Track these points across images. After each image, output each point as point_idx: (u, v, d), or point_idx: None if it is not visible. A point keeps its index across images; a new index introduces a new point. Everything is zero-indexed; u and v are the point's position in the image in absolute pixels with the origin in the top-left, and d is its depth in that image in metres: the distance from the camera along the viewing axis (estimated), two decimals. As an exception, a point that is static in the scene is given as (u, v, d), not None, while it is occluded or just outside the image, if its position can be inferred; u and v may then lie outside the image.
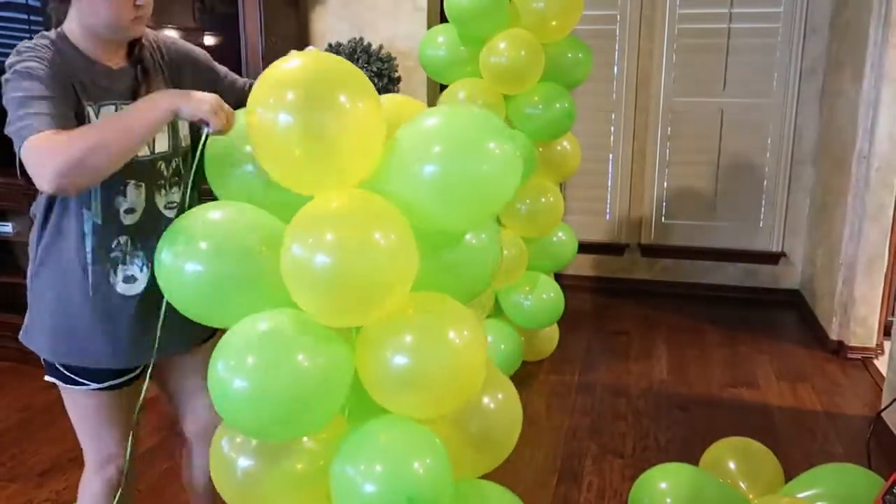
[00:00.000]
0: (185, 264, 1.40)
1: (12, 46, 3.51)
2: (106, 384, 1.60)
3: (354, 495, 1.36)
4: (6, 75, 1.39)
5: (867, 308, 3.44)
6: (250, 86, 1.54)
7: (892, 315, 3.54)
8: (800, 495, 1.99)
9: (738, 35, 4.06)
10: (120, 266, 1.52)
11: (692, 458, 2.18)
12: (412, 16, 3.51)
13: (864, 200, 3.35)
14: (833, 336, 3.53)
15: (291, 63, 1.34)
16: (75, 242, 1.49)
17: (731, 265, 4.31)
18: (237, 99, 1.59)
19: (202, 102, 1.39)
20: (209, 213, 1.46)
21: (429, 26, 3.48)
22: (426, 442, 1.41)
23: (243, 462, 1.47)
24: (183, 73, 1.63)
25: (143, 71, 1.56)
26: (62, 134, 1.30)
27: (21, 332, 1.62)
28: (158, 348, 1.51)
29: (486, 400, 1.57)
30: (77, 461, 2.55)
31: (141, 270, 1.54)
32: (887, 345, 3.28)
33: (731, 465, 2.17)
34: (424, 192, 1.34)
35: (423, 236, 1.39)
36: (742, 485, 2.11)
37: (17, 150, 1.32)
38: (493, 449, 1.61)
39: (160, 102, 1.38)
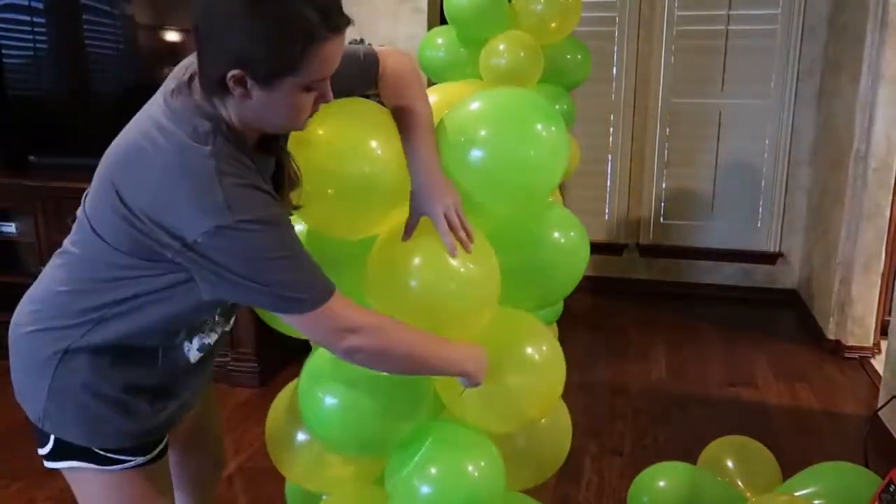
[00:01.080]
0: None
1: (17, 48, 3.52)
2: (155, 452, 1.34)
3: (412, 499, 1.36)
4: (235, 222, 1.05)
5: (864, 307, 3.46)
6: (375, 57, 1.31)
7: (889, 314, 3.55)
8: (797, 494, 2.00)
9: (736, 36, 4.09)
10: (198, 335, 1.31)
11: (690, 456, 2.20)
12: (412, 17, 3.54)
13: (861, 200, 3.38)
14: (830, 335, 3.56)
15: None
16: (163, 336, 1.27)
17: (729, 265, 4.34)
18: (366, 81, 1.33)
19: (478, 378, 1.29)
20: None
21: (429, 28, 3.51)
22: (481, 447, 1.41)
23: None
24: None
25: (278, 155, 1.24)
26: (385, 317, 1.21)
27: (41, 418, 1.28)
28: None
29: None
30: (80, 460, 2.59)
31: (214, 334, 1.35)
32: (884, 344, 3.30)
33: (729, 464, 2.18)
34: (469, 178, 1.30)
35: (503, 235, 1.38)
36: (740, 483, 2.13)
37: (280, 305, 1.13)
38: (542, 464, 1.62)
39: (466, 364, 1.27)
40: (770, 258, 4.26)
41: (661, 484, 2.11)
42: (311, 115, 1.15)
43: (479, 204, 1.32)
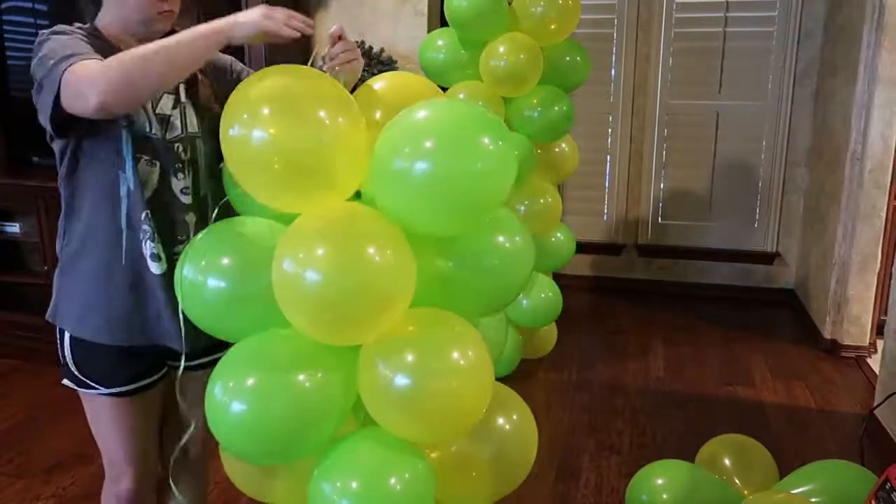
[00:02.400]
0: (206, 279, 1.37)
1: (21, 50, 3.52)
2: (115, 389, 1.56)
3: None
4: (41, 38, 1.41)
5: (860, 307, 3.49)
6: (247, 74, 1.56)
7: (885, 314, 3.58)
8: (793, 491, 2.02)
9: (734, 38, 4.11)
10: (148, 241, 1.47)
11: (688, 454, 2.22)
12: (413, 19, 3.55)
13: (857, 201, 3.41)
14: (827, 335, 3.58)
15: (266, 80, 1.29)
16: (111, 203, 1.47)
17: (726, 265, 4.36)
18: None
19: (248, 22, 1.35)
20: (231, 229, 1.44)
21: (429, 30, 3.53)
22: (407, 457, 1.33)
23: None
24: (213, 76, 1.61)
25: None
26: (107, 60, 1.31)
27: (48, 311, 1.58)
28: (190, 342, 1.48)
29: (500, 420, 1.49)
30: (83, 458, 2.62)
31: (161, 252, 1.49)
32: (880, 343, 3.33)
33: (727, 462, 2.20)
34: (412, 192, 1.25)
35: (429, 240, 1.33)
36: (737, 481, 2.14)
37: (53, 88, 1.31)
38: (508, 472, 1.53)
39: (203, 29, 1.35)
40: (767, 258, 4.28)
41: (660, 482, 2.12)
42: (164, 13, 1.47)
43: (425, 217, 1.29)
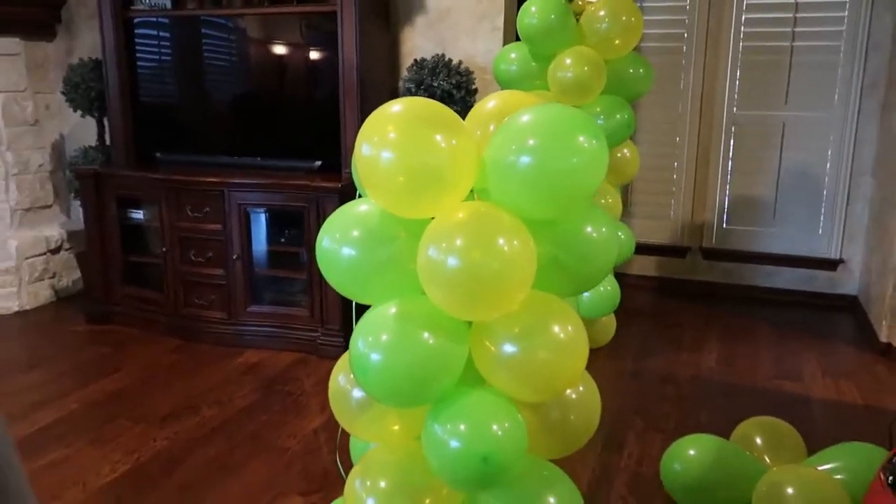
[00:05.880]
0: (340, 248, 1.58)
1: (148, 60, 4.06)
2: None
3: (441, 451, 1.52)
4: None
5: (916, 312, 3.57)
6: None
7: (942, 320, 3.65)
8: (818, 468, 2.15)
9: (801, 52, 4.21)
10: None
11: (727, 437, 2.35)
12: (490, 34, 3.79)
13: (915, 209, 3.48)
14: (883, 338, 3.65)
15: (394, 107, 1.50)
16: None
17: (789, 270, 4.43)
18: None
19: None
20: (358, 207, 1.64)
21: (504, 44, 3.77)
22: (506, 410, 1.53)
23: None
24: None
25: None
26: None
27: None
28: None
29: (568, 391, 1.68)
30: (191, 409, 3.04)
31: None
32: (934, 347, 3.40)
33: (758, 440, 2.34)
34: (518, 182, 1.43)
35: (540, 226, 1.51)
36: (766, 458, 2.28)
37: None
38: (570, 437, 1.71)
39: None
40: (831, 264, 4.35)
41: (692, 452, 2.30)
42: None
43: (527, 204, 1.48)
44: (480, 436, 1.49)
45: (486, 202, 1.52)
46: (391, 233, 1.57)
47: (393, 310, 1.54)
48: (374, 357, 1.50)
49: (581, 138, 1.43)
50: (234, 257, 3.66)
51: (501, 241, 1.41)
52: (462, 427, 1.50)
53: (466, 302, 1.45)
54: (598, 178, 1.47)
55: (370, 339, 1.52)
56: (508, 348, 1.49)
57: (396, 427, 1.72)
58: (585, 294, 3.37)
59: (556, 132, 1.44)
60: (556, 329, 1.50)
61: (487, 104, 1.71)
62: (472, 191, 1.61)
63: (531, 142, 1.42)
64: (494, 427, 1.50)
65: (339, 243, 1.59)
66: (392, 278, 1.58)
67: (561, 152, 1.42)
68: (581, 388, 1.71)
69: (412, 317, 1.53)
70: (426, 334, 1.50)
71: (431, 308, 1.51)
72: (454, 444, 1.50)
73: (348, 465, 1.90)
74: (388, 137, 1.46)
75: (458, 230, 1.42)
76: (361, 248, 1.57)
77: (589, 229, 1.58)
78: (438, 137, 1.46)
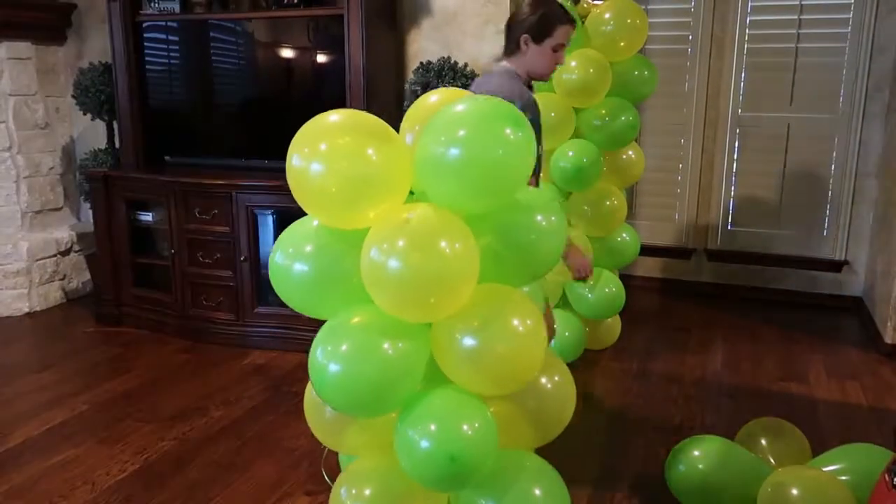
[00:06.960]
0: (293, 264, 1.61)
1: (157, 64, 4.05)
2: None
3: (411, 451, 1.54)
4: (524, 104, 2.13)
5: (921, 313, 3.56)
6: None
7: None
8: (823, 469, 2.13)
9: (806, 54, 4.22)
10: None
11: (732, 437, 2.38)
12: (495, 37, 3.78)
13: (919, 211, 3.48)
14: (888, 340, 3.65)
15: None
16: None
17: (794, 271, 4.44)
18: None
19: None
20: (312, 223, 1.67)
21: (510, 46, 3.82)
22: (476, 409, 1.55)
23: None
24: None
25: None
26: None
27: None
28: None
29: (543, 380, 1.73)
30: (199, 410, 3.06)
31: None
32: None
33: (762, 441, 2.35)
34: (447, 176, 1.46)
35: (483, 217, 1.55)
36: (771, 459, 2.29)
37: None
38: (547, 425, 1.76)
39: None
40: (835, 266, 4.35)
41: (697, 453, 2.28)
42: (553, 70, 2.38)
43: (460, 198, 1.51)
44: (449, 435, 1.51)
45: (425, 203, 1.55)
46: (342, 248, 1.59)
47: (352, 319, 1.55)
48: (333, 368, 1.50)
49: (507, 130, 1.46)
50: (242, 259, 3.69)
51: (441, 240, 1.43)
52: (432, 427, 1.52)
53: (411, 303, 1.46)
54: (526, 168, 1.50)
55: (329, 349, 1.52)
56: (468, 342, 1.51)
57: (365, 439, 1.75)
58: (590, 295, 3.39)
59: (481, 125, 1.47)
60: (515, 321, 1.53)
61: (429, 98, 1.75)
62: (412, 193, 1.63)
63: (459, 133, 1.45)
64: (465, 427, 1.52)
65: (291, 259, 1.61)
66: (344, 292, 1.60)
67: (487, 144, 1.45)
68: (556, 378, 1.74)
69: (370, 325, 1.54)
70: (385, 343, 1.51)
71: (389, 316, 1.52)
72: (424, 444, 1.52)
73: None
74: (318, 149, 1.48)
75: (398, 233, 1.44)
76: (314, 264, 1.59)
77: (526, 219, 1.61)
78: (368, 146, 1.48)
